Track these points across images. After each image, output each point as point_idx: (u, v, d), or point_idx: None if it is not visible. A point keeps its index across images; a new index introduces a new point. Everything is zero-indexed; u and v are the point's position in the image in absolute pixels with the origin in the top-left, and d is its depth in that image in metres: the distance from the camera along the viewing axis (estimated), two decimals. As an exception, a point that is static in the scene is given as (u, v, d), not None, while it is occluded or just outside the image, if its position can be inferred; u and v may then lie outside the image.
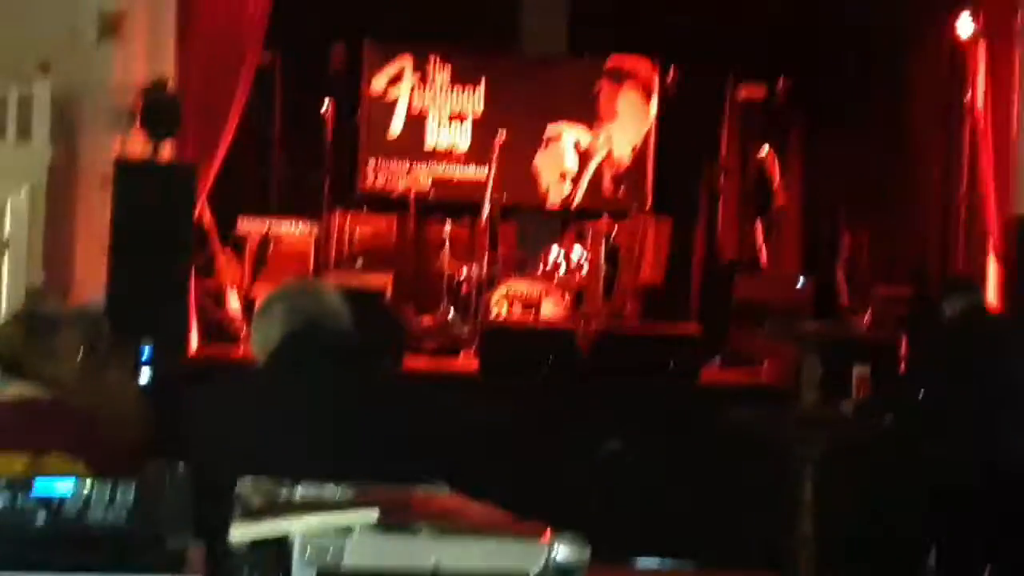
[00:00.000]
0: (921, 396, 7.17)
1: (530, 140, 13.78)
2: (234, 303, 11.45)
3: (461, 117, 13.81)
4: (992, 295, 10.22)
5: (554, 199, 13.97)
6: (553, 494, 7.69)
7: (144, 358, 8.66)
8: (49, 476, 2.73)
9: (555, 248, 12.42)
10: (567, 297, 11.91)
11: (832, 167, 14.26)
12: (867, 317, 11.85)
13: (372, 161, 13.65)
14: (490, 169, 12.38)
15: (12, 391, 4.03)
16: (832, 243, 13.82)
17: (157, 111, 10.37)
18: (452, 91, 13.81)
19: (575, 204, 13.94)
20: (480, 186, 12.62)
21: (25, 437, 3.80)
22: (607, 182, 14.02)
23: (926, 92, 13.17)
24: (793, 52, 13.96)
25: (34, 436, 3.81)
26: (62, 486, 2.66)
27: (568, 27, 14.14)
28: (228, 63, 11.20)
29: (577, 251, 12.38)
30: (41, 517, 2.63)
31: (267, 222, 12.28)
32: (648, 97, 14.03)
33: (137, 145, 10.66)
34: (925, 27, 13.14)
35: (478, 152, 13.43)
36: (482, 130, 13.55)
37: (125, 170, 10.14)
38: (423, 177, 13.31)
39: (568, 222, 13.97)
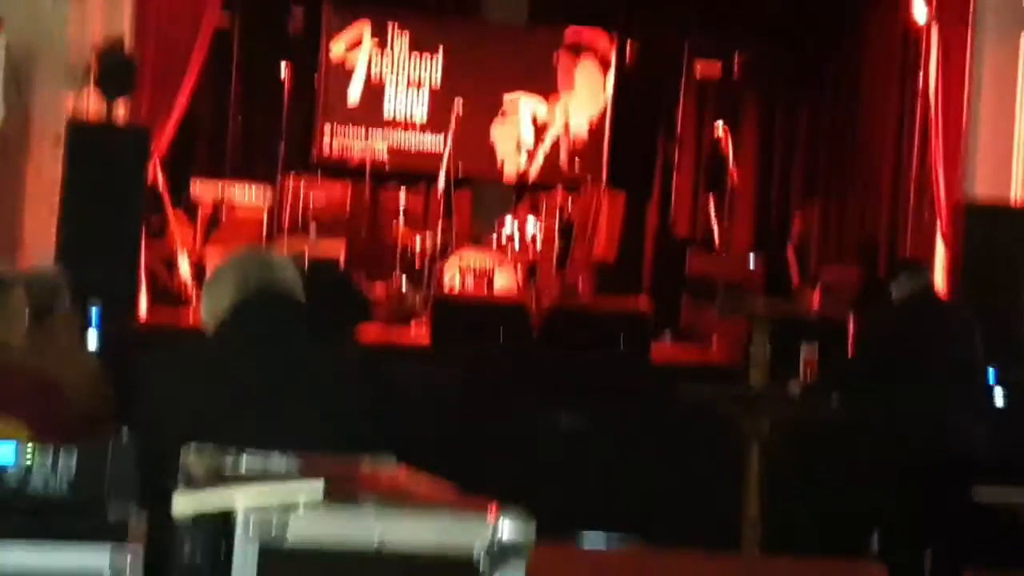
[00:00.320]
0: (868, 376, 7.22)
1: (487, 110, 13.76)
2: (185, 267, 11.39)
3: (419, 85, 13.76)
4: (940, 278, 10.30)
5: (510, 171, 13.95)
6: (503, 468, 7.72)
7: (92, 321, 8.61)
8: (-7, 442, 2.70)
9: (509, 220, 12.42)
10: (520, 269, 11.92)
11: (785, 146, 14.33)
12: (816, 296, 11.92)
13: (328, 127, 13.59)
14: (446, 139, 12.35)
15: (-42, 353, 4.00)
16: (784, 222, 13.90)
17: (112, 71, 10.27)
18: (411, 59, 13.76)
19: (531, 177, 13.94)
20: (436, 156, 12.60)
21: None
22: (563, 155, 14.01)
23: (879, 75, 13.22)
24: (749, 30, 13.99)
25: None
26: (2, 452, 2.63)
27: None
28: (185, 24, 11.09)
29: (531, 223, 12.39)
30: (-21, 484, 2.61)
31: (221, 185, 12.21)
32: (605, 70, 14.03)
33: (91, 105, 10.57)
34: (880, 9, 13.19)
35: (435, 121, 13.40)
36: (440, 99, 13.51)
37: (78, 130, 10.04)
38: (379, 145, 13.27)
39: (523, 194, 13.97)
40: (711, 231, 12.77)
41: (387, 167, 13.36)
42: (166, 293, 11.45)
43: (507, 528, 2.33)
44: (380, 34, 13.72)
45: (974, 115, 10.62)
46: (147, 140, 10.35)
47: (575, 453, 8.62)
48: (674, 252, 13.44)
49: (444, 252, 12.09)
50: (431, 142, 13.42)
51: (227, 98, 13.35)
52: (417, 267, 12.34)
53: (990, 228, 10.20)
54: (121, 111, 10.55)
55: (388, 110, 13.69)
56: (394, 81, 13.75)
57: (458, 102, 12.43)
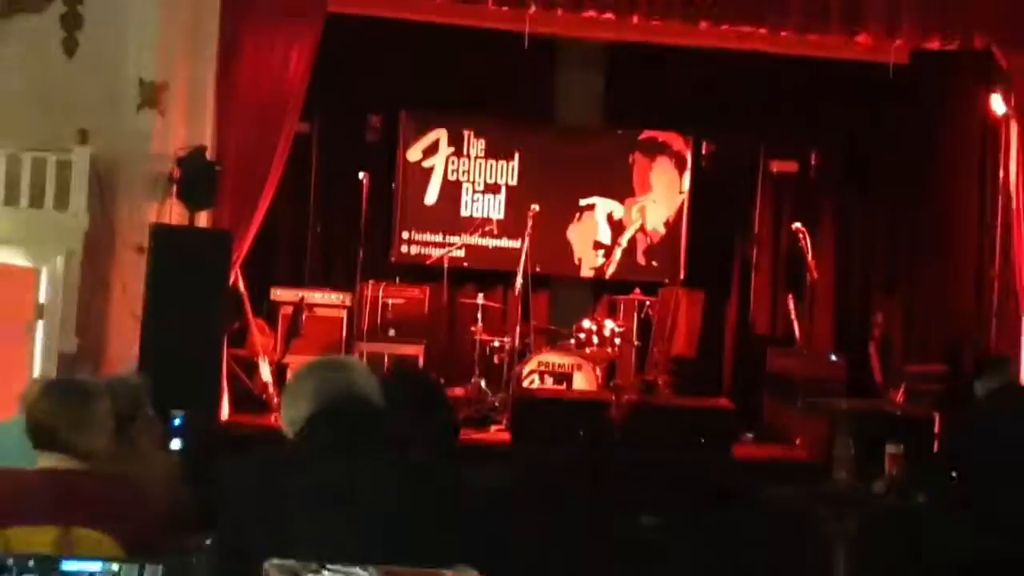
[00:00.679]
0: (954, 476, 7.10)
1: (564, 211, 13.82)
2: (266, 372, 11.48)
3: (495, 189, 13.86)
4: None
5: (587, 270, 13.98)
6: (586, 570, 7.66)
7: (175, 427, 8.68)
8: (78, 553, 2.72)
9: (587, 320, 12.42)
10: (599, 369, 11.88)
11: (864, 242, 14.25)
12: (900, 394, 11.78)
13: (406, 232, 13.70)
14: (523, 240, 12.40)
15: (44, 462, 4.04)
16: (864, 318, 13.78)
17: (194, 180, 10.45)
18: (487, 163, 13.87)
19: (608, 276, 13.95)
20: (513, 257, 12.64)
21: (55, 510, 3.80)
22: (640, 254, 14.02)
23: (958, 169, 13.17)
24: (824, 129, 14.00)
25: (65, 509, 3.81)
26: (90, 567, 2.63)
27: (602, 103, 14.22)
28: (266, 133, 11.31)
29: (609, 323, 12.37)
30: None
31: (300, 292, 12.34)
32: (681, 170, 14.05)
33: (174, 214, 10.74)
34: (957, 104, 13.17)
35: (512, 223, 13.46)
36: (516, 201, 13.59)
37: (161, 233, 10.20)
38: (457, 249, 13.35)
39: (601, 294, 13.99)
40: (791, 329, 12.68)
41: (464, 270, 13.45)
42: (247, 397, 11.54)
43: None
44: (456, 141, 13.86)
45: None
46: (229, 243, 10.49)
47: (655, 555, 8.54)
48: (754, 350, 13.36)
49: (523, 354, 12.09)
50: (508, 244, 13.48)
51: (306, 205, 13.52)
52: (496, 369, 12.35)
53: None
54: (203, 220, 10.72)
55: (465, 214, 13.78)
56: (470, 186, 13.86)
57: (534, 205, 12.49)
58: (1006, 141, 11.22)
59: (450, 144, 13.84)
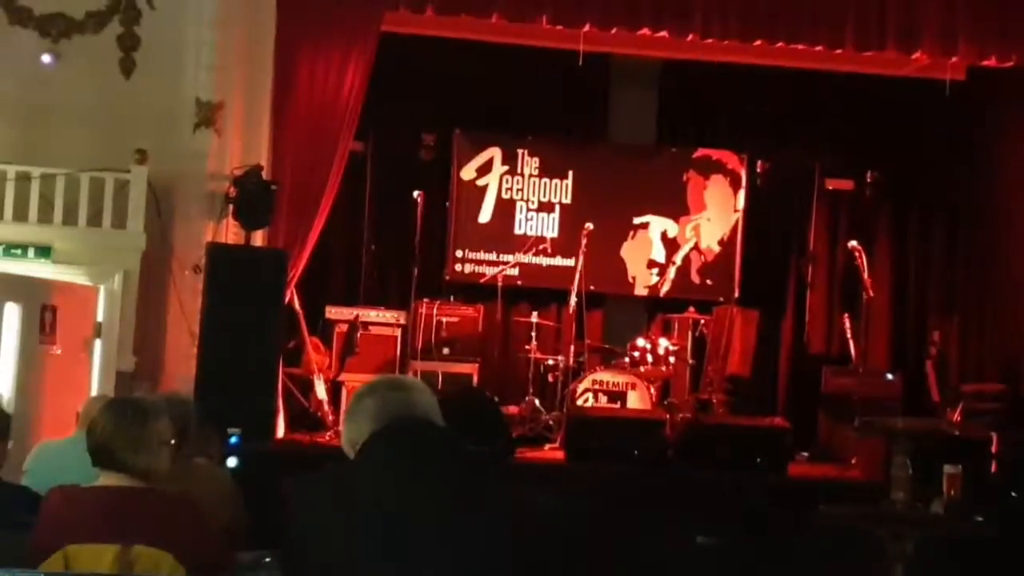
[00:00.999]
0: (1013, 496, 7.04)
1: (618, 230, 13.79)
2: (321, 391, 11.52)
3: (549, 207, 13.86)
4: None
5: (641, 289, 13.95)
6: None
7: (232, 445, 8.74)
8: (138, 570, 2.74)
9: (641, 339, 12.39)
10: (653, 388, 11.85)
11: (920, 261, 14.15)
12: (957, 413, 11.67)
13: (460, 250, 13.72)
14: (578, 259, 12.38)
15: (104, 481, 4.07)
16: (921, 338, 13.68)
17: (250, 199, 10.51)
18: (540, 182, 13.88)
19: (662, 294, 13.91)
20: (567, 275, 12.62)
21: (116, 528, 3.83)
22: (694, 272, 13.98)
23: (1017, 186, 13.05)
24: (880, 147, 13.92)
25: (125, 527, 3.84)
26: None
27: (656, 121, 14.21)
28: (321, 151, 11.37)
29: (664, 342, 12.33)
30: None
31: (355, 311, 12.39)
32: (736, 189, 14.01)
33: (230, 233, 10.81)
34: (1016, 122, 13.06)
35: (566, 242, 13.46)
36: (570, 219, 13.59)
37: (217, 254, 10.26)
38: (511, 268, 13.36)
39: (655, 312, 13.95)
40: (847, 348, 12.59)
41: (518, 288, 13.46)
42: (303, 416, 11.59)
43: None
44: (510, 160, 13.87)
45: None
46: (285, 262, 10.55)
47: (715, 572, 8.51)
48: (809, 369, 13.28)
49: (577, 372, 12.08)
50: (562, 263, 13.47)
51: (360, 224, 13.56)
52: (550, 388, 12.34)
53: None
54: (259, 238, 10.78)
55: (519, 232, 13.78)
56: (524, 204, 13.87)
57: (588, 224, 12.48)
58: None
59: (504, 162, 13.86)
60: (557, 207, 13.85)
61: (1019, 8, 11.54)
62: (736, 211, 14.01)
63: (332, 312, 12.38)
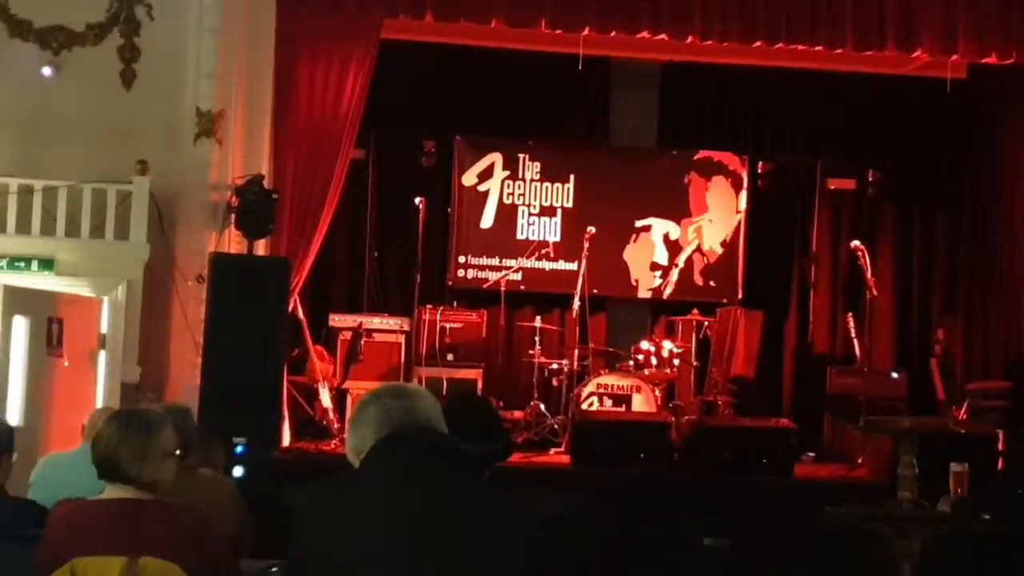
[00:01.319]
0: (1020, 494, 7.02)
1: (620, 233, 13.79)
2: (326, 399, 11.52)
3: (551, 211, 13.86)
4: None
5: (644, 292, 13.94)
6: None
7: (237, 454, 8.74)
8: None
9: (645, 342, 12.38)
10: (658, 391, 11.84)
11: (924, 260, 14.14)
12: (963, 411, 11.67)
13: (462, 256, 13.72)
14: (580, 263, 12.38)
15: (110, 493, 4.07)
16: (925, 335, 13.68)
17: (252, 208, 10.52)
18: (542, 186, 13.88)
19: (665, 296, 13.91)
20: (570, 279, 12.62)
21: (122, 540, 3.83)
22: (697, 275, 13.97)
23: (1021, 186, 13.04)
24: (881, 146, 13.93)
25: (131, 539, 3.84)
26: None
27: (657, 123, 14.21)
28: (322, 160, 11.38)
29: (668, 344, 12.33)
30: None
31: (358, 318, 12.40)
32: (737, 190, 14.00)
33: (232, 243, 10.82)
34: (1018, 119, 13.05)
35: (568, 245, 13.46)
36: (572, 223, 13.59)
37: (220, 264, 10.26)
38: (513, 273, 13.36)
39: (658, 315, 13.95)
40: (851, 348, 12.58)
41: (521, 293, 13.47)
42: (308, 424, 11.60)
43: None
44: (511, 165, 13.88)
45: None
46: (288, 270, 10.54)
47: (721, 573, 8.49)
48: (814, 369, 13.27)
49: (581, 376, 12.08)
50: (564, 267, 13.47)
51: (362, 231, 13.57)
52: (554, 392, 12.34)
53: None
54: (261, 248, 10.78)
55: (521, 237, 13.78)
56: (526, 209, 13.87)
57: (590, 227, 12.49)
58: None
59: (505, 167, 13.86)
60: (559, 211, 13.85)
61: (1019, 5, 11.54)
62: (738, 212, 14.01)
63: (336, 320, 12.40)
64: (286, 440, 10.76)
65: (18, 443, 4.98)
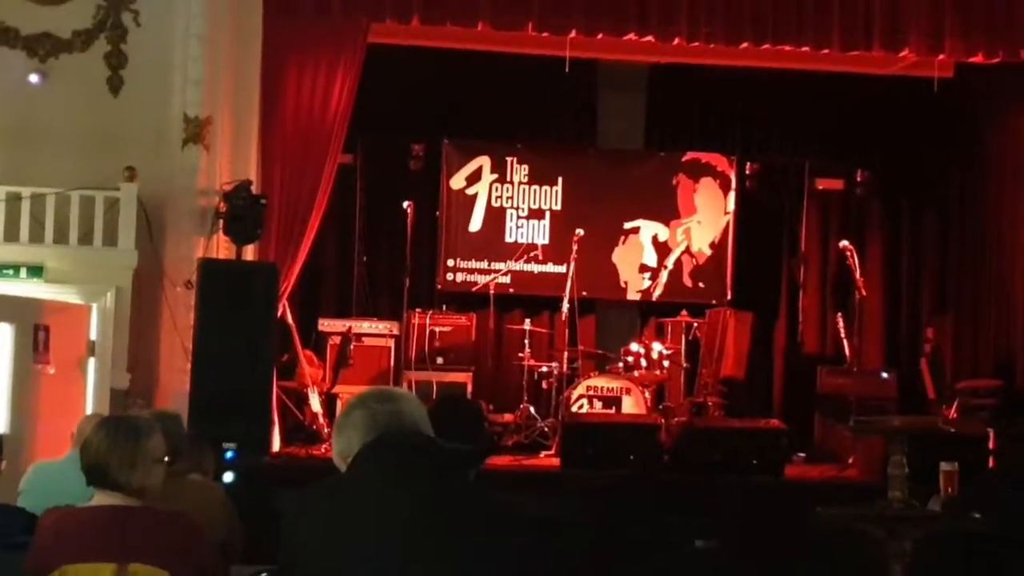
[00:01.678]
0: (1010, 492, 7.02)
1: (608, 235, 13.80)
2: (315, 404, 11.51)
3: (539, 214, 13.86)
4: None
5: (633, 294, 13.95)
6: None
7: (227, 460, 8.73)
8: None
9: (635, 344, 12.39)
10: (648, 393, 11.85)
11: (913, 259, 14.17)
12: (953, 410, 11.68)
13: (451, 259, 13.72)
14: (569, 265, 12.39)
15: (99, 500, 4.07)
16: (915, 336, 13.70)
17: (241, 214, 10.51)
18: (530, 189, 13.88)
19: (655, 298, 13.91)
20: (559, 282, 12.63)
21: (112, 546, 3.83)
22: (686, 276, 13.98)
23: (1007, 182, 13.07)
24: (869, 146, 13.95)
25: (121, 545, 3.83)
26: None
27: (645, 125, 14.22)
28: (310, 165, 11.38)
29: (657, 346, 12.33)
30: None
31: (348, 323, 12.40)
32: (726, 191, 14.02)
33: (221, 248, 10.80)
34: (1006, 119, 13.08)
35: (557, 248, 13.46)
36: (560, 226, 13.59)
37: (209, 269, 10.25)
38: (502, 274, 13.37)
39: (648, 317, 13.96)
40: (841, 348, 12.60)
41: (511, 296, 13.47)
42: (298, 429, 11.59)
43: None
44: (499, 168, 13.88)
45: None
46: (276, 276, 10.54)
47: (712, 574, 8.49)
48: (804, 370, 13.29)
49: (571, 379, 12.08)
50: (553, 269, 13.48)
51: (351, 236, 13.58)
52: (544, 395, 12.34)
53: None
54: (250, 254, 10.77)
55: (509, 240, 13.78)
56: (514, 212, 13.87)
57: (579, 230, 12.49)
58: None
59: (493, 171, 13.87)
60: (547, 214, 13.85)
61: (1004, 4, 11.56)
62: (726, 213, 14.02)
63: (325, 324, 12.39)
64: (276, 445, 10.75)
65: (5, 450, 4.97)
